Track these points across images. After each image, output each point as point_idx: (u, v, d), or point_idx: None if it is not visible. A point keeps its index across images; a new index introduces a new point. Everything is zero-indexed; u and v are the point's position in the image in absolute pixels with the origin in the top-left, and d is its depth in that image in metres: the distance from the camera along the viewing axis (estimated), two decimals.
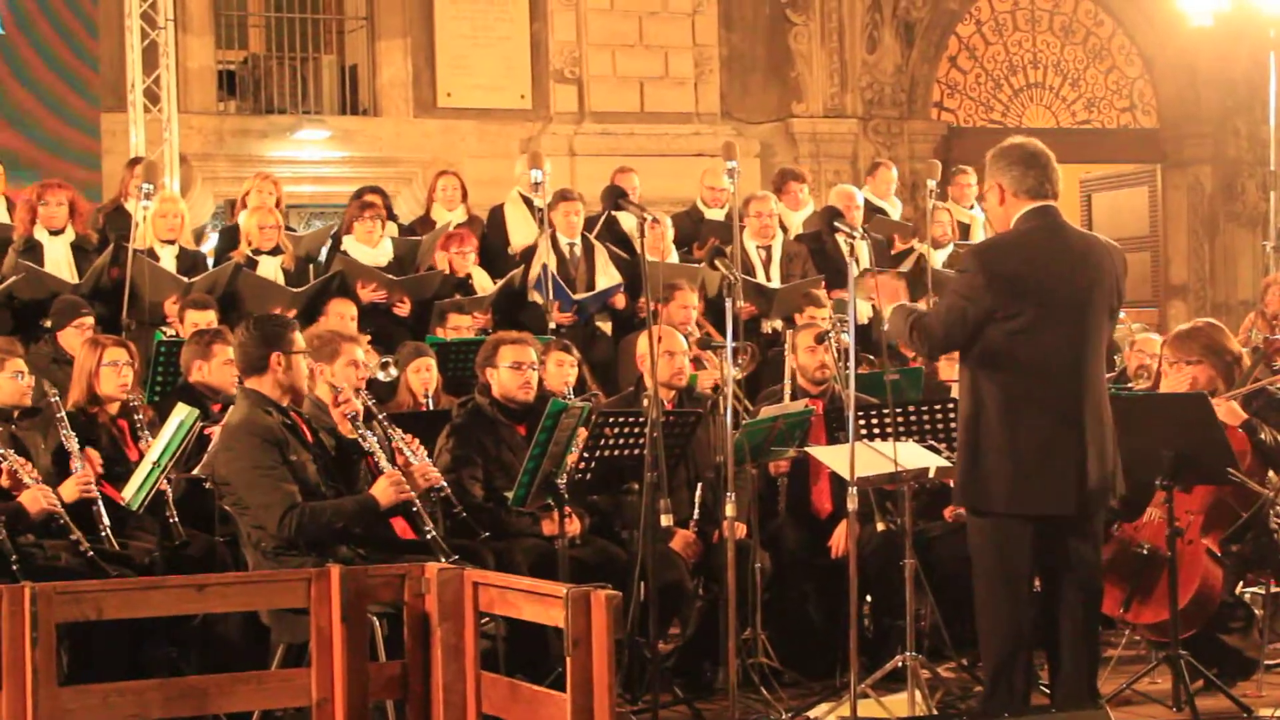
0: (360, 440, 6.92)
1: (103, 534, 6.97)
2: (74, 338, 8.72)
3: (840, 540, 7.74)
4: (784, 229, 11.45)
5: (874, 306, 10.74)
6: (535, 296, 10.36)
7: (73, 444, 7.11)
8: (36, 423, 7.34)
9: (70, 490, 6.95)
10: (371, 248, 10.44)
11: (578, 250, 10.71)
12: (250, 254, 10.16)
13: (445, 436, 7.68)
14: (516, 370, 7.78)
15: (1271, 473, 7.37)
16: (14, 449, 7.07)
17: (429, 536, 6.75)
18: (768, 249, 11.02)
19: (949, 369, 8.50)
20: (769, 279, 10.85)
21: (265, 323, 6.91)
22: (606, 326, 10.60)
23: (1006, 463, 6.00)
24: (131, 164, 11.34)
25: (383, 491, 6.70)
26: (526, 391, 7.79)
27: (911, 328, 6.23)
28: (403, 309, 10.15)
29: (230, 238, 10.77)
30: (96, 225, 10.58)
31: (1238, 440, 7.15)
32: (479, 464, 7.58)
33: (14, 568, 6.50)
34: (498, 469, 7.58)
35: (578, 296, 10.29)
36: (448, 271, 10.39)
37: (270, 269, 10.11)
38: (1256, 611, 7.72)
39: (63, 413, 7.22)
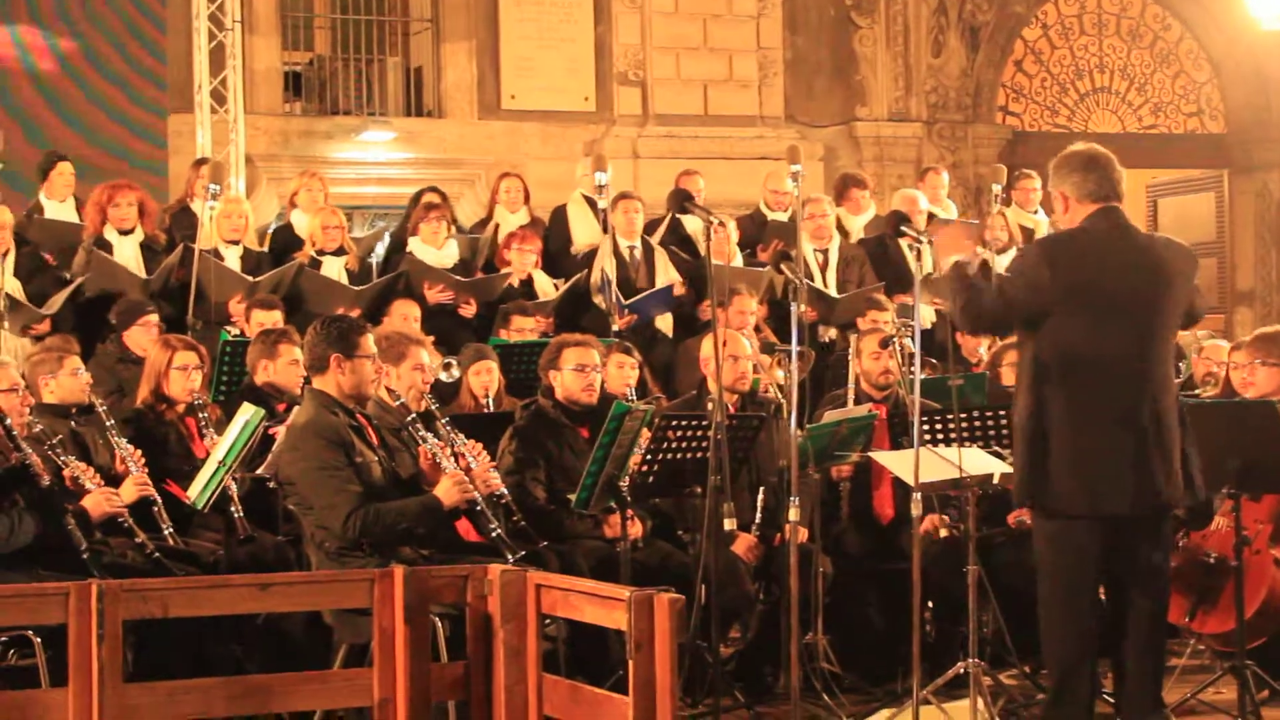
0: (413, 431, 6.93)
1: (166, 532, 7.03)
2: (140, 336, 8.79)
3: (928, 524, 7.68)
4: (845, 233, 11.41)
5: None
6: (598, 300, 10.36)
7: (124, 449, 7.16)
8: (94, 419, 7.40)
9: (129, 491, 7.00)
10: (437, 249, 10.47)
11: (638, 253, 10.71)
12: (314, 254, 10.21)
13: (508, 439, 7.69)
14: (580, 373, 7.79)
15: None
16: (75, 447, 7.14)
17: (495, 535, 6.76)
18: (825, 252, 10.99)
19: (1012, 375, 8.45)
20: (826, 283, 10.82)
21: (333, 324, 6.93)
22: (667, 328, 10.58)
23: (1068, 464, 5.96)
24: (197, 164, 11.42)
25: (446, 492, 6.72)
26: (590, 394, 7.80)
27: (962, 299, 6.14)
28: (468, 310, 10.18)
29: (284, 236, 10.82)
30: (163, 225, 10.66)
31: None
32: (542, 466, 7.59)
33: (84, 557, 6.55)
34: (560, 472, 7.59)
35: (627, 301, 10.26)
36: (515, 273, 10.40)
37: (334, 269, 10.16)
38: None
39: (111, 421, 7.26)
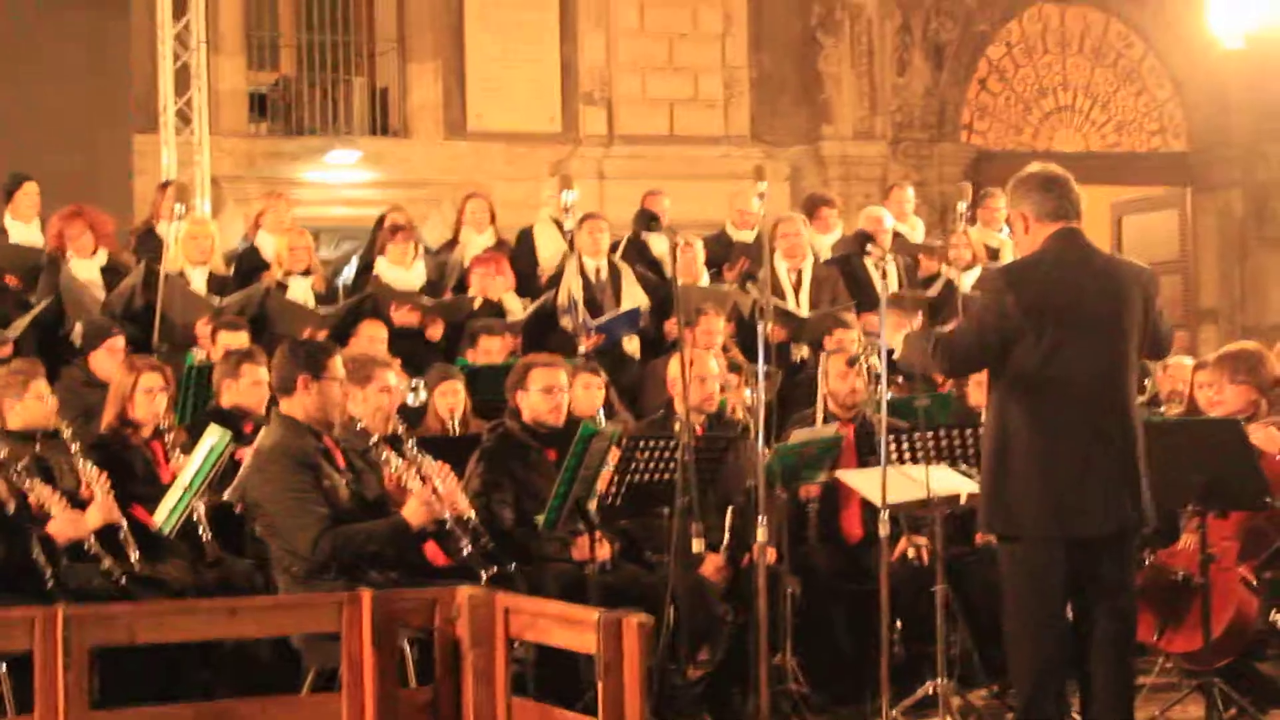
0: (379, 453, 6.93)
1: (132, 558, 7.00)
2: (105, 360, 8.75)
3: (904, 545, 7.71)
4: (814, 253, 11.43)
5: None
6: (565, 321, 10.35)
7: (88, 474, 7.12)
8: (60, 444, 7.36)
9: (95, 516, 6.96)
10: (405, 269, 10.46)
11: (604, 273, 10.71)
12: (281, 275, 10.18)
13: (475, 460, 7.67)
14: (547, 394, 7.77)
15: None
16: (40, 471, 7.11)
17: (466, 554, 6.76)
18: (798, 272, 11.01)
19: (979, 394, 8.46)
20: (799, 302, 10.83)
21: (302, 346, 6.93)
22: (634, 349, 10.58)
23: (1035, 485, 5.97)
24: (162, 187, 11.40)
25: (414, 512, 6.71)
26: (557, 415, 7.79)
27: (934, 346, 6.21)
28: (435, 332, 10.16)
29: (250, 258, 10.79)
30: (128, 247, 10.63)
31: (1276, 467, 7.12)
32: (509, 488, 7.57)
33: (49, 584, 6.51)
34: (528, 493, 7.57)
35: (595, 322, 10.26)
36: (481, 295, 10.39)
37: (301, 290, 10.13)
38: None
39: (76, 445, 7.23)
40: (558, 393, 7.80)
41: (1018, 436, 5.99)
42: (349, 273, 11.10)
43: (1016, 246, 6.28)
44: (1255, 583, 7.26)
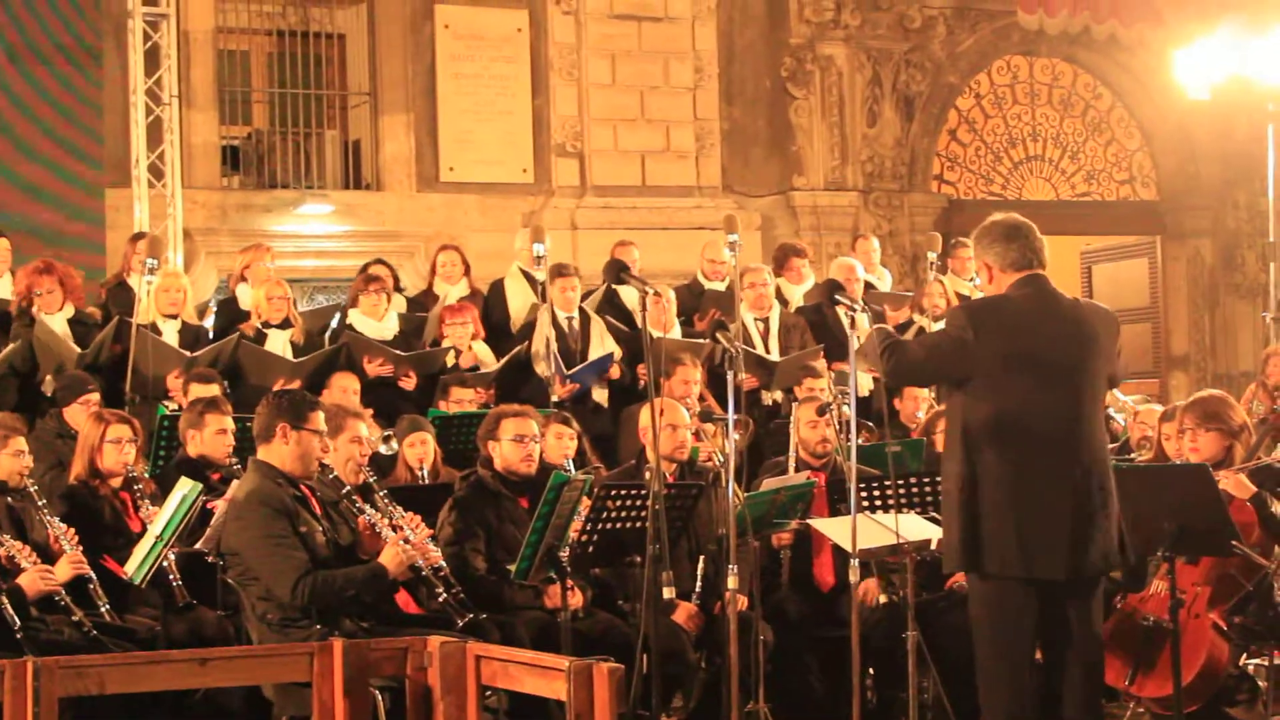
0: (352, 503, 6.95)
1: (103, 609, 6.99)
2: (80, 414, 8.74)
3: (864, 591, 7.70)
4: (784, 303, 11.47)
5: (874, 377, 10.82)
6: (539, 368, 10.37)
7: (56, 527, 7.13)
8: (31, 496, 7.36)
9: (64, 570, 6.96)
10: (377, 321, 10.48)
11: (575, 324, 10.74)
12: (260, 326, 10.20)
13: (448, 509, 7.69)
14: (519, 443, 7.80)
15: (1278, 546, 7.37)
16: (11, 524, 7.11)
17: (441, 599, 6.78)
18: (765, 321, 11.05)
19: None
20: (768, 350, 10.87)
21: (284, 396, 6.97)
22: (603, 398, 10.60)
23: (1006, 527, 5.99)
24: (134, 239, 11.39)
25: (390, 558, 6.75)
26: (529, 464, 7.81)
27: (885, 347, 6.23)
28: (409, 383, 10.17)
29: (230, 311, 10.80)
30: (99, 301, 10.63)
31: (1246, 513, 7.16)
32: (481, 536, 7.59)
33: (18, 636, 6.51)
34: (500, 542, 7.59)
35: (569, 371, 10.30)
36: (454, 346, 10.41)
37: (279, 342, 10.15)
38: (1261, 684, 7.69)
39: (43, 500, 7.23)
40: (529, 442, 7.82)
41: (986, 478, 6.01)
42: (335, 324, 11.17)
43: (983, 295, 6.33)
44: (1226, 628, 7.28)
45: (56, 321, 9.91)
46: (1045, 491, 5.99)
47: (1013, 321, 6.06)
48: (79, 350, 9.71)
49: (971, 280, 12.30)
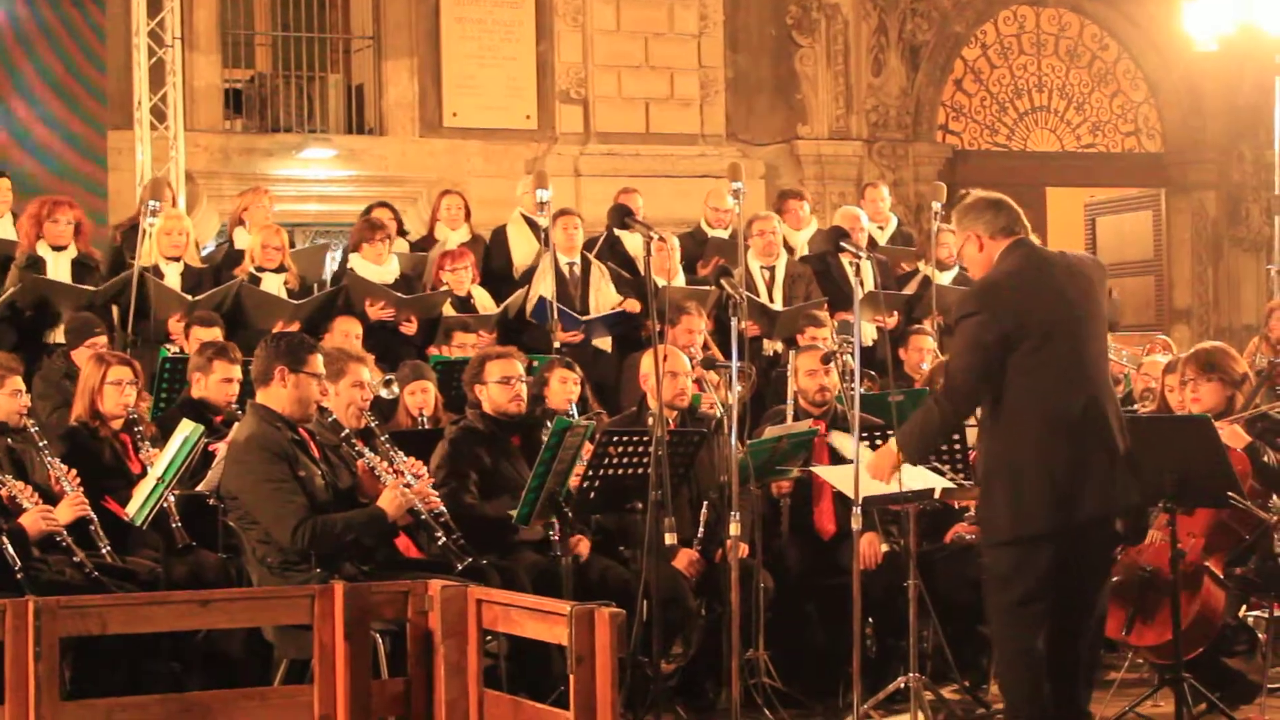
0: (351, 447, 6.95)
1: (104, 550, 7.00)
2: (85, 357, 8.73)
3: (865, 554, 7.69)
4: (789, 249, 11.44)
5: (878, 328, 10.80)
6: (531, 318, 10.36)
7: (57, 468, 7.13)
8: (32, 438, 7.36)
9: (65, 512, 6.97)
10: (379, 265, 10.45)
11: (577, 270, 10.72)
12: (254, 271, 10.17)
13: (440, 450, 7.70)
14: (505, 384, 7.82)
15: (1276, 497, 7.37)
16: (12, 465, 7.11)
17: (441, 543, 6.78)
18: (771, 269, 11.02)
19: None
20: (773, 299, 10.84)
21: (283, 338, 6.95)
22: (606, 344, 10.59)
23: (1046, 486, 5.95)
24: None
25: (389, 501, 6.75)
26: (517, 404, 7.84)
27: (935, 399, 6.22)
28: (410, 327, 10.15)
29: (232, 256, 10.77)
30: (114, 243, 10.62)
31: (1240, 463, 7.16)
32: (471, 476, 7.60)
33: (18, 576, 6.52)
34: (495, 479, 7.61)
35: (583, 319, 10.29)
36: (450, 290, 10.40)
37: (274, 286, 10.12)
38: (1260, 635, 7.71)
39: (44, 441, 7.23)
40: (515, 382, 7.84)
41: (1026, 444, 5.97)
42: (331, 266, 11.14)
43: (972, 266, 6.31)
44: (1222, 577, 7.29)
45: (62, 260, 9.88)
46: (1079, 444, 5.95)
47: (1017, 288, 6.07)
48: (87, 289, 9.68)
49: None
